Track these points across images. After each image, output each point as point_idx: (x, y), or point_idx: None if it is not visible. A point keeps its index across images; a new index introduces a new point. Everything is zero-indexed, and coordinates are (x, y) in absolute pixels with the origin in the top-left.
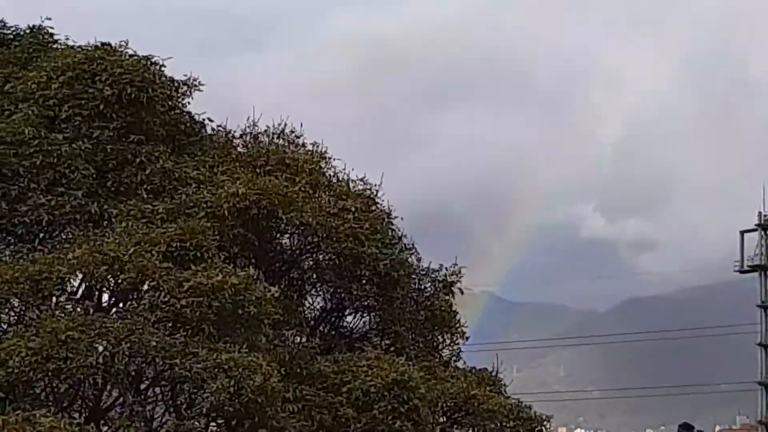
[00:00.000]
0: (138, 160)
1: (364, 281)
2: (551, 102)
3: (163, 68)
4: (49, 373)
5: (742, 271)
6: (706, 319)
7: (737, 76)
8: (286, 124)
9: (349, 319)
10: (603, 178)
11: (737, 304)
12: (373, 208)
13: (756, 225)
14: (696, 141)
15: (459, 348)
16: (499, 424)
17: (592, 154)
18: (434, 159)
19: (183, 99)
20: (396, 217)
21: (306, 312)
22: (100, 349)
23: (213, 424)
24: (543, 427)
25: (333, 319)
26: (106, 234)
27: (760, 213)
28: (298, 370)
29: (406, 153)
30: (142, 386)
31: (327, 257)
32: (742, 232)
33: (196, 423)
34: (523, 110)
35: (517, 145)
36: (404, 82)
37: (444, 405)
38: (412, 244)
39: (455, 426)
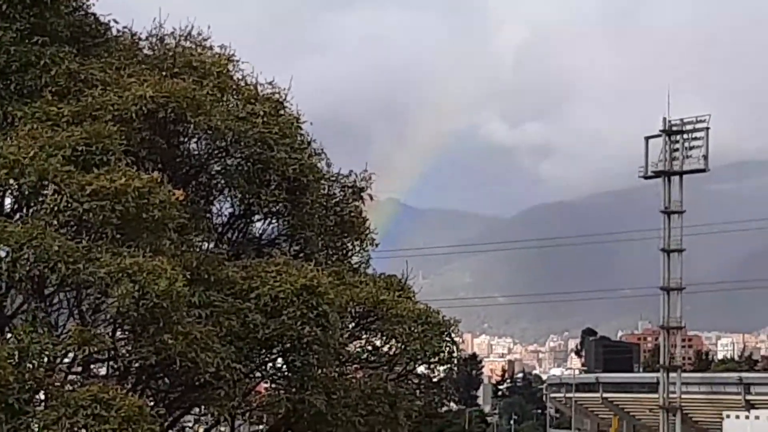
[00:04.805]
0: (42, 62)
1: (272, 186)
2: (454, 5)
3: None
4: None
5: (646, 177)
6: (611, 225)
7: None
8: (192, 27)
9: (257, 224)
10: (505, 83)
11: (641, 210)
12: (282, 112)
13: (660, 131)
14: (600, 46)
15: (368, 254)
16: (407, 329)
17: (494, 59)
18: (337, 63)
19: (87, 0)
20: (305, 122)
21: (214, 217)
22: (2, 254)
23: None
24: (451, 332)
25: (241, 224)
26: (9, 137)
27: (664, 119)
28: (206, 276)
29: (307, 57)
30: (46, 292)
31: (235, 162)
32: (647, 138)
33: (101, 329)
34: (426, 14)
35: (420, 50)
36: None
37: (353, 310)
38: (321, 149)
39: (364, 331)
